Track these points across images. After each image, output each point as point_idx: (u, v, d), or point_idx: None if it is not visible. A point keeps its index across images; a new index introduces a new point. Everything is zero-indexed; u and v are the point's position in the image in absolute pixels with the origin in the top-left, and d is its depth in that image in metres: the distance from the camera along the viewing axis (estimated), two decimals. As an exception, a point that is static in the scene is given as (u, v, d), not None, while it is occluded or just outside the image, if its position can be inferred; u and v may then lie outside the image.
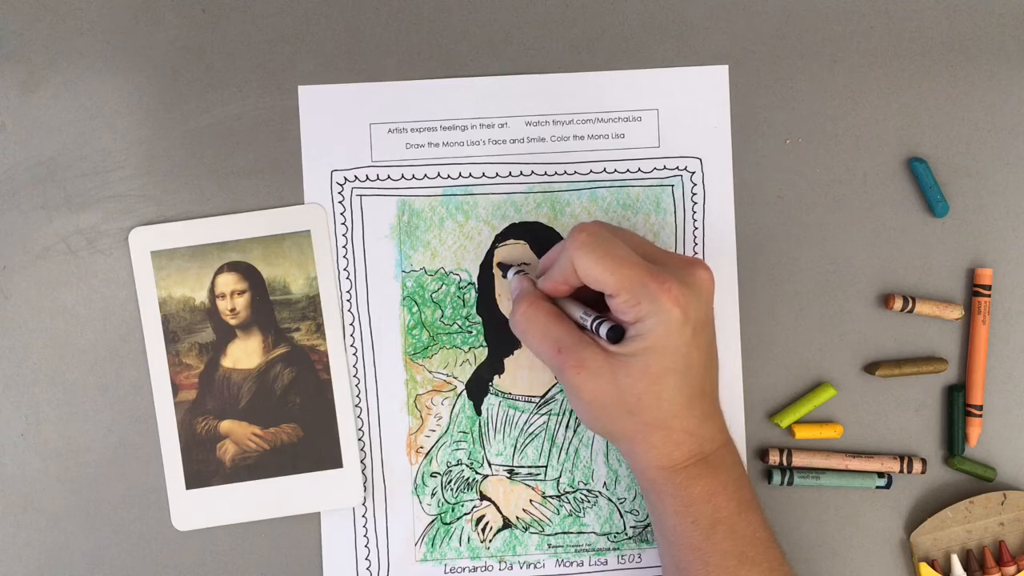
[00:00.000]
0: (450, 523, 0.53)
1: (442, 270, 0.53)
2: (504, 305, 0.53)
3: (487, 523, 0.53)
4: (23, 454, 0.52)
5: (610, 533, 0.53)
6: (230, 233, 0.52)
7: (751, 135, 0.54)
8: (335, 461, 0.52)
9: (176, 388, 0.52)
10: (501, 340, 0.53)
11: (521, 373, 0.53)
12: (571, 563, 0.53)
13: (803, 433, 0.53)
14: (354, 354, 0.53)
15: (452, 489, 0.53)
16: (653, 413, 0.45)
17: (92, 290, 0.52)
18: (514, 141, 0.53)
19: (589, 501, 0.53)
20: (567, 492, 0.53)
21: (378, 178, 0.53)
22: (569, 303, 0.48)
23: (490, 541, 0.53)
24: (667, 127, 0.53)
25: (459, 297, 0.53)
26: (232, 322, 0.52)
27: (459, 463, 0.53)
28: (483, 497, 0.53)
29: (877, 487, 0.53)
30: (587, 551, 0.53)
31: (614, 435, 0.47)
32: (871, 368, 0.54)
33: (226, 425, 0.52)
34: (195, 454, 0.52)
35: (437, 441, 0.53)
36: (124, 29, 0.52)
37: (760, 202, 0.54)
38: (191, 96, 0.52)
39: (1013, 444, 0.54)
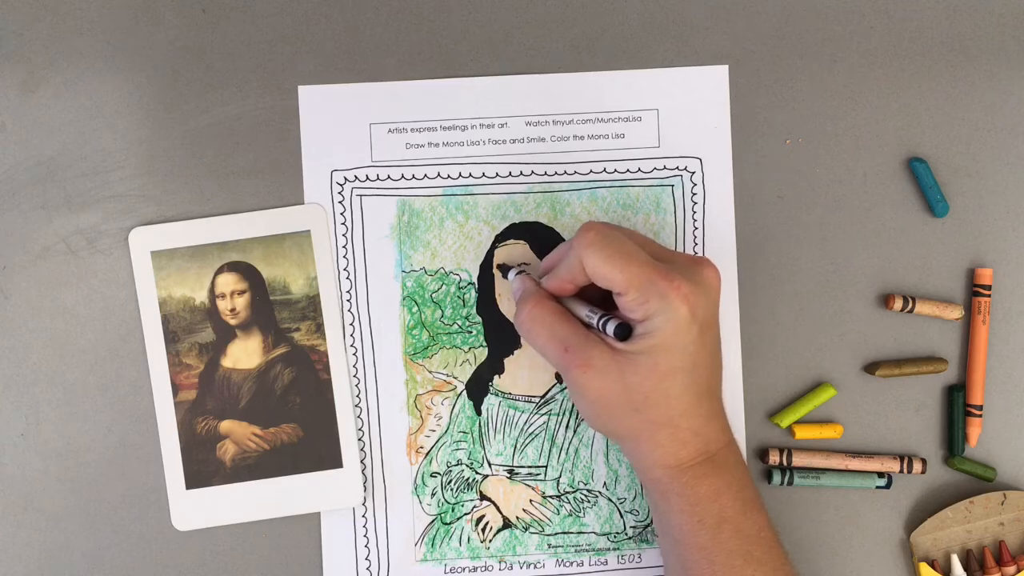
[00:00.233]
0: (450, 523, 0.53)
1: (442, 270, 0.53)
2: (504, 305, 0.53)
3: (487, 523, 0.53)
4: (23, 454, 0.52)
5: (610, 533, 0.53)
6: (230, 233, 0.52)
7: (751, 135, 0.54)
8: (335, 461, 0.52)
9: (176, 388, 0.52)
10: (501, 340, 0.53)
11: (521, 373, 0.53)
12: (571, 563, 0.53)
13: (803, 433, 0.53)
14: (354, 354, 0.53)
15: (452, 489, 0.53)
16: (660, 411, 0.45)
17: (92, 290, 0.52)
18: (514, 141, 0.53)
19: (589, 501, 0.53)
20: (567, 492, 0.53)
21: (378, 178, 0.53)
22: (574, 302, 0.48)
23: (490, 541, 0.53)
24: (667, 127, 0.53)
25: (459, 297, 0.53)
26: (232, 322, 0.52)
27: (459, 463, 0.53)
28: (483, 497, 0.53)
29: (877, 487, 0.53)
30: (587, 551, 0.53)
31: (619, 434, 0.47)
32: (871, 368, 0.54)
33: (226, 425, 0.52)
34: (195, 454, 0.52)
35: (437, 441, 0.53)
36: (124, 29, 0.52)
37: (760, 202, 0.54)
38: (191, 96, 0.52)
39: (1013, 444, 0.54)
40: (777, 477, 0.53)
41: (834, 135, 0.54)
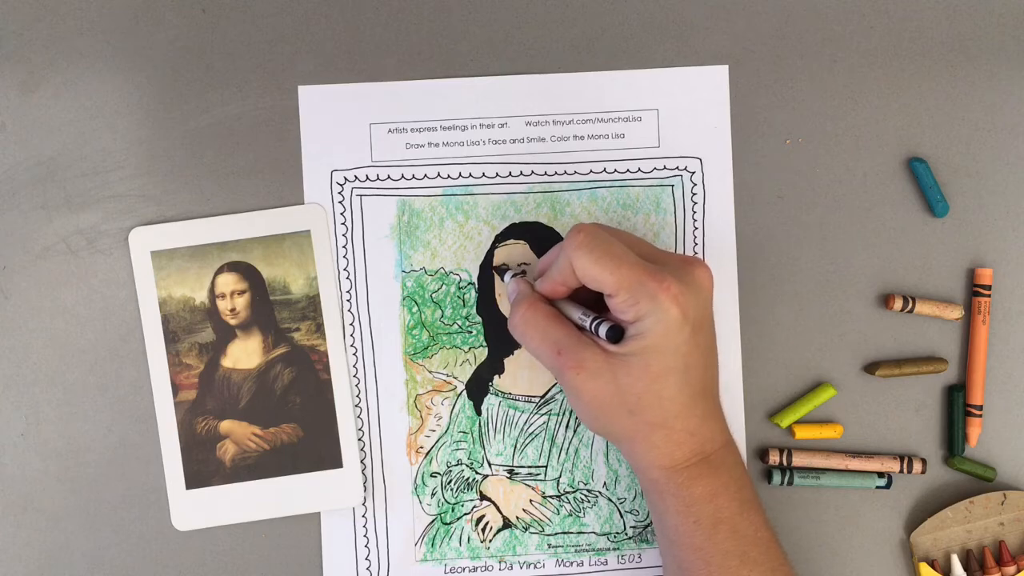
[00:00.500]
0: (450, 523, 0.53)
1: (442, 270, 0.53)
2: (504, 305, 0.53)
3: (487, 523, 0.53)
4: (23, 454, 0.52)
5: (610, 533, 0.53)
6: (230, 233, 0.52)
7: (751, 135, 0.54)
8: (335, 461, 0.52)
9: (176, 388, 0.52)
10: (501, 340, 0.53)
11: (521, 373, 0.53)
12: (571, 563, 0.53)
13: (803, 433, 0.53)
14: (354, 354, 0.53)
15: (452, 489, 0.53)
16: (654, 412, 0.45)
17: (92, 290, 0.52)
18: (514, 141, 0.53)
19: (589, 501, 0.53)
20: (567, 492, 0.53)
21: (378, 178, 0.53)
22: (567, 304, 0.48)
23: (490, 541, 0.53)
24: (667, 127, 0.53)
25: (459, 297, 0.53)
26: (232, 322, 0.52)
27: (459, 463, 0.53)
28: (483, 497, 0.53)
29: (877, 487, 0.53)
30: (587, 551, 0.53)
31: (615, 435, 0.47)
32: (871, 368, 0.54)
33: (226, 425, 0.52)
34: (195, 454, 0.52)
35: (437, 441, 0.53)
36: (124, 29, 0.52)
37: (760, 202, 0.54)
38: (191, 96, 0.52)
39: (1013, 444, 0.54)
40: (777, 477, 0.53)
41: (834, 135, 0.54)
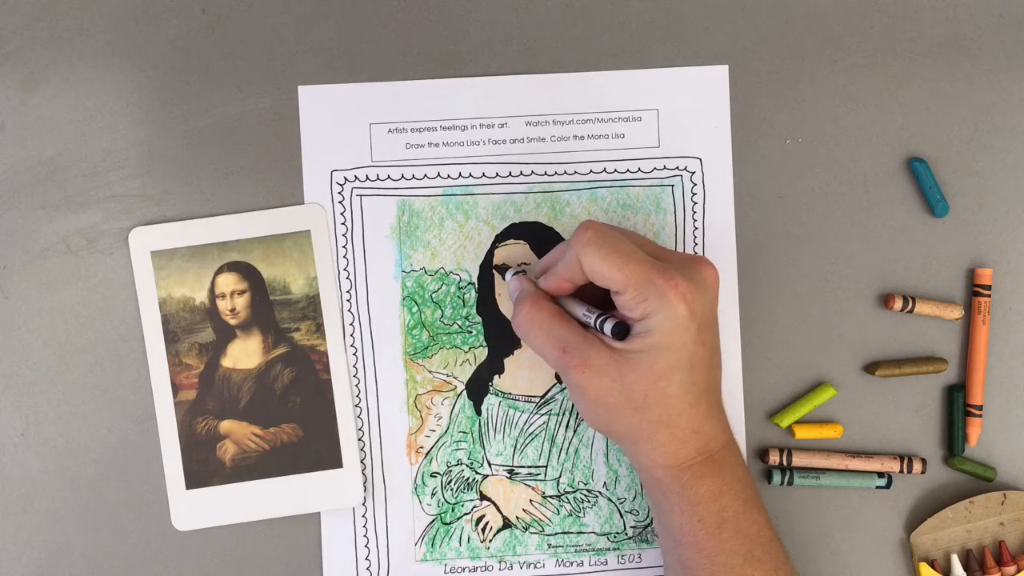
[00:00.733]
0: (450, 523, 0.53)
1: (442, 270, 0.53)
2: (504, 305, 0.53)
3: (487, 523, 0.53)
4: (23, 454, 0.52)
5: (610, 533, 0.53)
6: (230, 233, 0.52)
7: (751, 135, 0.54)
8: (335, 461, 0.52)
9: (176, 388, 0.52)
10: (501, 340, 0.53)
11: (521, 373, 0.53)
12: (571, 563, 0.53)
13: (803, 433, 0.53)
14: (354, 354, 0.53)
15: (452, 489, 0.53)
16: (659, 410, 0.45)
17: (92, 290, 0.52)
18: (514, 141, 0.53)
19: (589, 501, 0.53)
20: (567, 492, 0.53)
21: (378, 178, 0.53)
22: (570, 302, 0.48)
23: (490, 541, 0.53)
24: (667, 127, 0.53)
25: (459, 297, 0.53)
26: (232, 322, 0.52)
27: (459, 463, 0.53)
28: (483, 497, 0.53)
29: (877, 487, 0.53)
30: (587, 551, 0.53)
31: (619, 434, 0.47)
32: (871, 368, 0.54)
33: (226, 425, 0.52)
34: (195, 454, 0.52)
35: (437, 441, 0.53)
36: (124, 29, 0.52)
37: (760, 202, 0.54)
38: (191, 96, 0.52)
39: (1013, 444, 0.54)
40: (777, 477, 0.53)
41: (834, 135, 0.54)
